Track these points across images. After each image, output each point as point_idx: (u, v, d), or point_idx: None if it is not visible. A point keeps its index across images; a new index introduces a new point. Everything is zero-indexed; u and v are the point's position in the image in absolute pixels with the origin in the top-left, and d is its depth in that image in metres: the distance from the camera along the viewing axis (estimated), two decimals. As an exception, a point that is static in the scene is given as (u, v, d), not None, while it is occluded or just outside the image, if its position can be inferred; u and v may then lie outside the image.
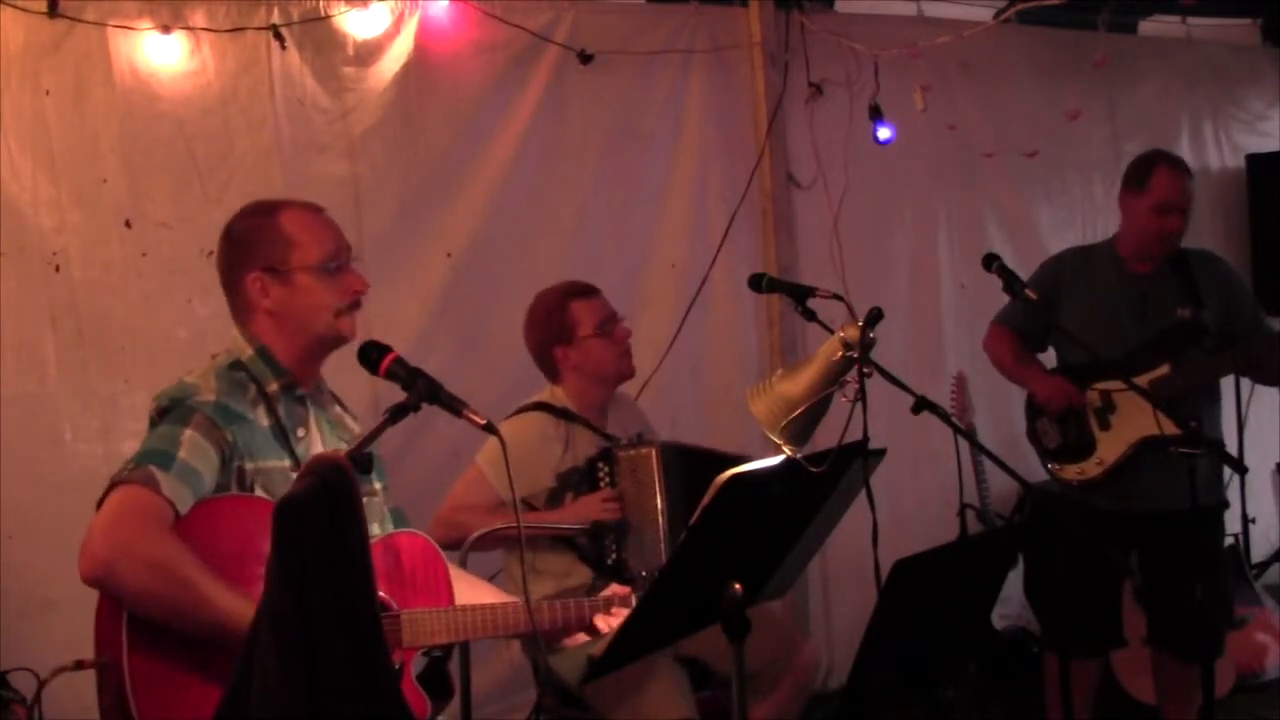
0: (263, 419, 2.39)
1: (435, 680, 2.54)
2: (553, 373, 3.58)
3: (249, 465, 2.32)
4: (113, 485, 2.19)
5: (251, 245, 2.46)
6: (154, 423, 2.33)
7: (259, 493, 2.32)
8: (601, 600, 2.78)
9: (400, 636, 2.41)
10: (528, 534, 3.32)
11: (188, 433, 2.25)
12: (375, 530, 2.48)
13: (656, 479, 3.38)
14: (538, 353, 3.59)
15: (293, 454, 2.40)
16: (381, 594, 2.41)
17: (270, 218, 2.47)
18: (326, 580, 1.69)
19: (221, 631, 2.13)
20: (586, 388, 3.55)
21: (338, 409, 2.63)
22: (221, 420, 2.30)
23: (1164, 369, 3.66)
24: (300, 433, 2.44)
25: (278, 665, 1.68)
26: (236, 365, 2.42)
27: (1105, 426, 3.76)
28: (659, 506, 3.37)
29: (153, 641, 2.14)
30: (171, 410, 2.30)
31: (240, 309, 2.49)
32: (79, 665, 2.25)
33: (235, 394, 2.36)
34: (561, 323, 3.51)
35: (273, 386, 2.42)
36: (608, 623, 2.78)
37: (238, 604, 2.13)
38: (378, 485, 2.60)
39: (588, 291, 3.57)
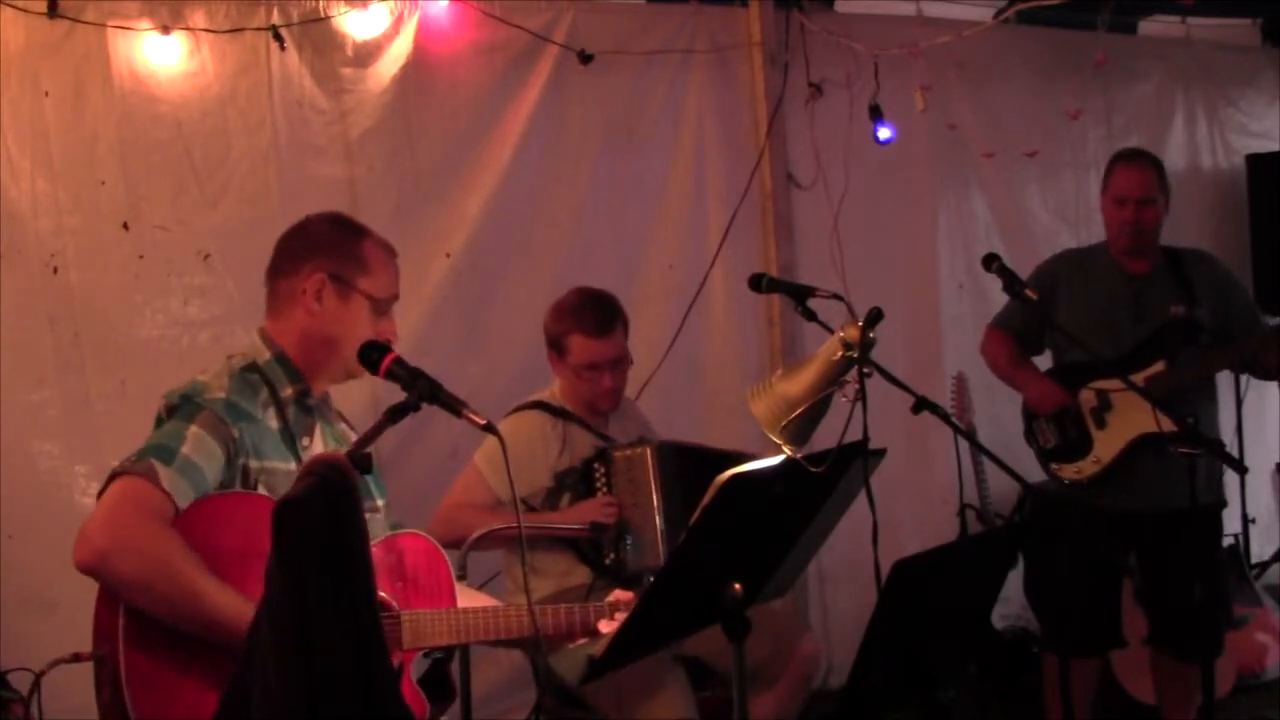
0: (272, 421, 2.40)
1: (436, 683, 2.53)
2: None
3: (254, 464, 2.32)
4: (113, 476, 2.19)
5: (330, 248, 2.49)
6: (160, 420, 2.34)
7: (262, 491, 2.32)
8: (606, 605, 2.78)
9: (400, 637, 2.41)
10: (530, 534, 3.32)
11: (193, 429, 2.25)
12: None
13: (652, 479, 3.39)
14: (546, 341, 3.59)
15: (298, 459, 2.40)
16: (383, 594, 2.41)
17: (357, 236, 2.53)
18: (326, 580, 1.69)
19: (214, 629, 2.12)
20: (570, 389, 3.56)
21: (343, 425, 2.63)
22: (229, 417, 2.30)
23: (1158, 366, 3.67)
24: (305, 441, 2.45)
25: (277, 665, 1.68)
26: (252, 368, 2.43)
27: (1101, 425, 3.77)
28: (655, 506, 3.38)
29: (150, 636, 2.13)
30: (180, 407, 2.31)
31: (283, 298, 2.49)
32: (76, 658, 2.25)
33: (246, 394, 2.37)
34: (560, 341, 3.51)
35: (287, 391, 2.44)
36: (611, 627, 2.78)
37: (233, 602, 2.13)
38: (380, 502, 2.59)
39: (601, 329, 3.47)
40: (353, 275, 2.47)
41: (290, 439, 2.41)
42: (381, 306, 2.50)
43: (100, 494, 2.20)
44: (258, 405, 2.38)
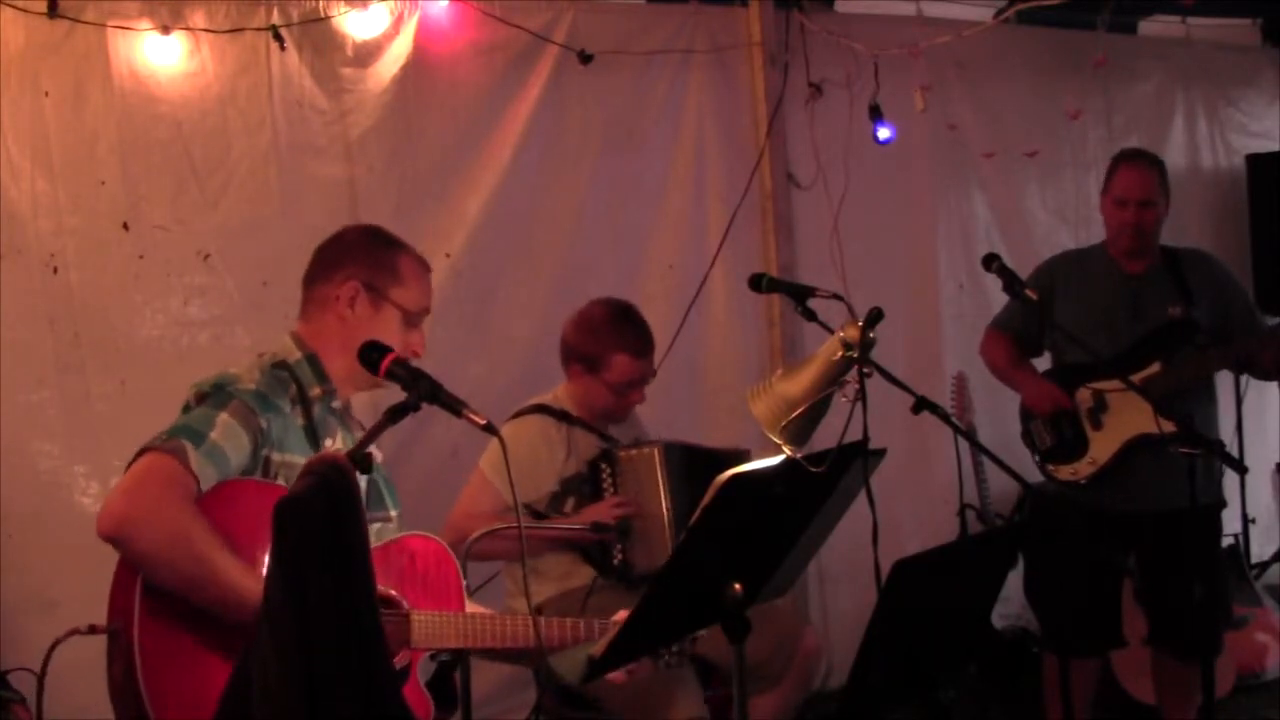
0: (298, 418, 2.44)
1: (441, 689, 2.54)
2: (565, 368, 3.58)
3: (276, 456, 2.36)
4: (142, 451, 2.23)
5: (365, 257, 2.55)
6: (188, 407, 2.38)
7: (281, 484, 2.34)
8: (612, 624, 2.77)
9: (408, 636, 2.42)
10: (534, 535, 3.32)
11: (223, 416, 2.30)
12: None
13: (660, 478, 3.38)
14: (564, 348, 3.58)
15: None
16: (392, 591, 2.43)
17: (392, 249, 2.60)
18: (326, 580, 1.69)
19: (231, 608, 2.15)
20: (585, 399, 3.55)
21: (360, 433, 2.64)
22: (259, 407, 2.35)
23: (1155, 367, 3.67)
24: (329, 442, 2.49)
25: (277, 665, 1.68)
26: (281, 365, 2.48)
27: (1098, 426, 3.77)
28: (664, 506, 3.37)
29: (165, 613, 2.16)
30: (211, 395, 2.36)
31: (316, 303, 2.55)
32: (92, 629, 2.28)
33: (276, 389, 2.42)
34: (599, 357, 3.48)
35: (315, 391, 2.49)
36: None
37: (249, 582, 2.15)
38: (393, 512, 2.63)
39: (646, 349, 3.52)
40: (386, 285, 2.53)
41: (314, 436, 2.46)
42: (413, 319, 2.56)
43: (129, 467, 2.23)
44: (286, 400, 2.43)
